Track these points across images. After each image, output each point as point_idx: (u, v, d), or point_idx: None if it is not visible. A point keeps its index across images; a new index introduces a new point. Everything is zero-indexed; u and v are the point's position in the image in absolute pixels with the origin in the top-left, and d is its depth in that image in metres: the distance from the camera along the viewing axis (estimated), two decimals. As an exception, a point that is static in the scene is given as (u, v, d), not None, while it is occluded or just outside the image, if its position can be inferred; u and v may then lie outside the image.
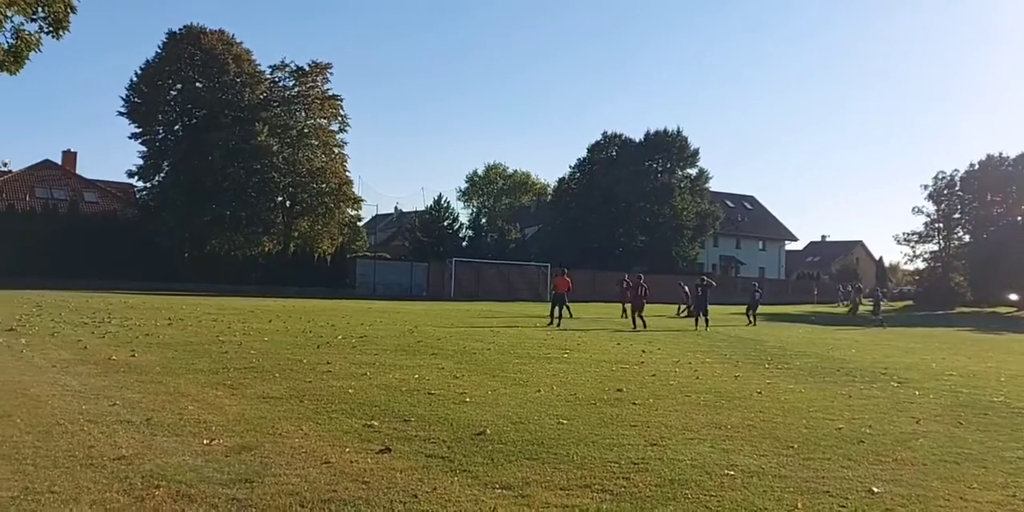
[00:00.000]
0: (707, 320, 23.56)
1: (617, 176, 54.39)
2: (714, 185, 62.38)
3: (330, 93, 49.15)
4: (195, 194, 42.76)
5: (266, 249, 48.61)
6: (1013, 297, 55.12)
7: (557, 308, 22.74)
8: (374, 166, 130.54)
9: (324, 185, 47.81)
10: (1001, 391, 11.00)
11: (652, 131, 58.04)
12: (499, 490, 5.05)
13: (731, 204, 72.21)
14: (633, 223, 54.68)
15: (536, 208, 69.25)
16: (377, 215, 68.59)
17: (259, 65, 47.66)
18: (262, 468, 5.29)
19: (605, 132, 58.81)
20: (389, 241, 69.55)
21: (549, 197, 65.63)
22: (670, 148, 57.74)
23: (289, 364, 10.69)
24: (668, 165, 58.38)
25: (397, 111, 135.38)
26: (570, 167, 59.68)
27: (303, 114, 48.94)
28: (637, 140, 58.05)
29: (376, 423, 6.96)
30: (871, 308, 34.20)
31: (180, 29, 45.60)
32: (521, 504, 4.79)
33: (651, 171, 57.46)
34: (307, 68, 48.07)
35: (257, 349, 12.34)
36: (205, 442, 5.92)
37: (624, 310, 28.90)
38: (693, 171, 59.67)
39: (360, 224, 57.48)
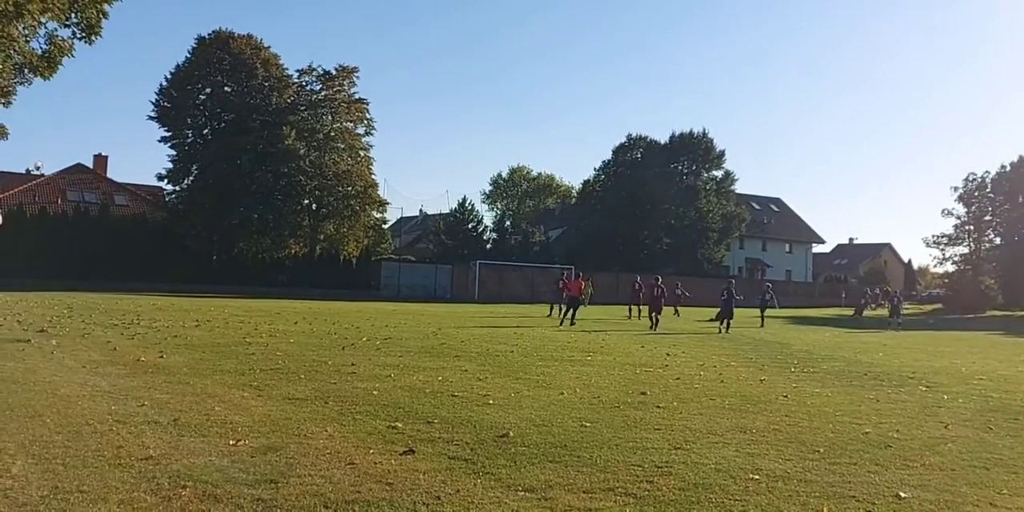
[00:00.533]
0: (728, 324, 23.48)
1: (642, 178, 54.22)
2: (740, 187, 62.09)
3: (356, 97, 49.48)
4: (223, 197, 43.20)
5: (293, 252, 48.96)
6: (1047, 301, 54.20)
7: (570, 310, 23.33)
8: (399, 169, 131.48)
9: (350, 188, 48.09)
10: (1033, 396, 10.80)
11: (677, 133, 57.98)
12: (522, 493, 5.05)
13: (757, 206, 71.63)
14: (658, 225, 54.47)
15: (560, 210, 69.22)
16: (402, 217, 68.93)
17: (287, 69, 48.13)
18: (287, 469, 5.33)
19: (630, 134, 58.74)
20: (414, 243, 69.82)
21: (574, 199, 65.58)
22: (695, 150, 57.48)
23: (314, 365, 10.77)
24: (693, 167, 58.12)
25: (423, 114, 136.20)
26: (595, 169, 59.69)
27: (330, 118, 49.29)
28: (662, 142, 57.90)
29: (400, 425, 6.99)
30: (888, 311, 33.93)
31: (209, 34, 46.18)
32: (544, 507, 4.78)
33: (676, 173, 57.24)
34: (334, 72, 48.42)
35: (283, 351, 12.45)
36: (231, 443, 5.98)
37: (630, 311, 29.14)
38: (719, 173, 59.40)
39: (385, 227, 57.73)
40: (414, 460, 5.76)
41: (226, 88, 45.94)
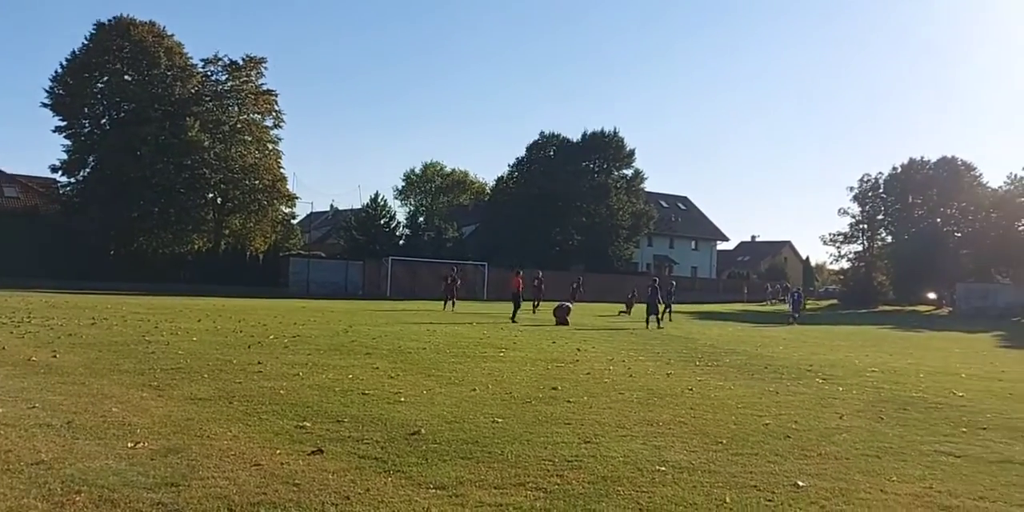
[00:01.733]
0: (659, 320, 24.50)
1: (554, 176, 54.77)
2: (649, 186, 63.40)
3: (264, 88, 48.30)
4: (122, 190, 41.51)
5: (196, 247, 47.50)
6: (932, 296, 57.59)
7: (515, 305, 23.99)
8: (310, 163, 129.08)
9: (257, 182, 46.98)
10: (920, 387, 11.44)
11: (589, 131, 58.66)
12: (433, 490, 5.04)
13: (665, 204, 73.40)
14: (570, 222, 55.14)
15: (474, 207, 69.21)
16: (312, 213, 67.75)
17: (191, 58, 46.61)
18: (189, 471, 5.16)
19: (543, 132, 59.31)
20: (324, 239, 68.65)
21: (487, 196, 65.66)
22: (607, 149, 58.37)
23: (218, 364, 10.45)
24: (605, 165, 59.00)
25: (334, 107, 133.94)
26: (508, 166, 59.94)
27: (236, 109, 47.98)
28: (574, 140, 58.53)
29: (308, 424, 6.86)
30: (789, 306, 35.44)
31: (109, 20, 44.32)
32: (455, 504, 4.78)
33: (588, 171, 58.00)
34: (241, 62, 47.13)
35: (185, 349, 12.03)
36: (129, 445, 5.74)
37: (534, 305, 30.01)
38: (629, 172, 60.47)
39: (294, 222, 56.75)
40: (323, 460, 5.66)
41: (126, 76, 44.16)
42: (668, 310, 27.89)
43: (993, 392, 11.28)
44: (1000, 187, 58.03)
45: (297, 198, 50.90)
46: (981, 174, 59.11)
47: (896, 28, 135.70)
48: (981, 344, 24.19)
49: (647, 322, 24.23)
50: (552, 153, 58.36)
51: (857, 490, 5.45)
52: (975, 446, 7.18)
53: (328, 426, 6.85)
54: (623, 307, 34.03)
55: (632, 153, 59.51)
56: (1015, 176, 57.51)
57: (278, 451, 5.84)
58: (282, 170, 49.10)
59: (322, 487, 4.96)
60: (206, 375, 9.45)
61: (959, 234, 58.43)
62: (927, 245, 55.11)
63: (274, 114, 49.25)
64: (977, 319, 41.82)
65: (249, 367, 10.34)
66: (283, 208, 50.63)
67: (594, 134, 58.40)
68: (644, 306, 25.66)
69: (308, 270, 44.32)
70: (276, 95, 48.74)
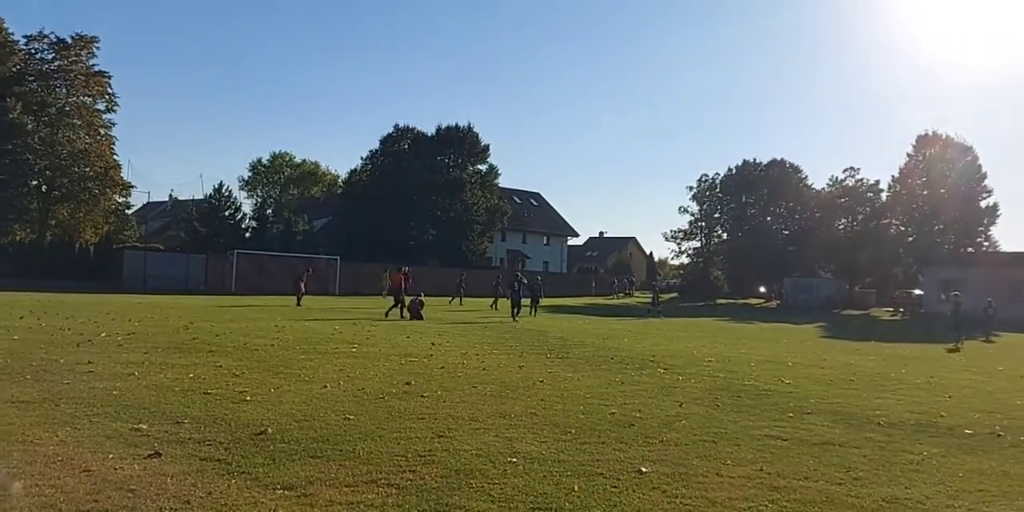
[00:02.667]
0: (515, 314, 25.35)
1: (409, 169, 54.35)
2: (503, 181, 64.11)
3: (96, 69, 44.94)
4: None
5: (18, 238, 43.76)
6: (762, 289, 61.87)
7: (397, 303, 23.64)
8: (147, 150, 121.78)
9: (87, 169, 43.79)
10: (752, 375, 12.24)
11: (443, 126, 58.59)
12: (281, 491, 4.90)
13: (518, 200, 74.50)
14: (425, 217, 54.89)
15: (326, 200, 67.58)
16: (149, 203, 63.97)
17: (12, 34, 42.68)
18: (10, 479, 4.75)
19: (397, 125, 58.52)
20: (163, 231, 64.99)
21: (340, 189, 64.28)
22: (461, 143, 58.50)
23: (43, 364, 9.67)
24: (459, 160, 59.13)
25: (175, 92, 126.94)
26: (362, 159, 58.92)
27: (64, 91, 44.44)
28: (429, 134, 58.31)
29: (145, 426, 6.49)
30: (649, 300, 37.19)
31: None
32: (304, 504, 4.67)
33: (443, 166, 57.93)
34: (69, 41, 43.65)
35: (5, 348, 11.05)
36: (-63, 456, 5.23)
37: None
38: (483, 167, 60.88)
39: (129, 212, 53.34)
40: (160, 463, 5.38)
41: (-64, 51, 39.96)
42: (535, 306, 28.68)
43: (816, 379, 12.24)
44: (823, 188, 63.06)
45: (132, 187, 47.90)
46: (807, 176, 64.05)
47: (743, 38, 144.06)
48: (806, 334, 26.18)
49: (513, 316, 25.16)
50: (407, 147, 57.85)
51: (695, 474, 5.77)
52: (800, 430, 7.76)
53: (167, 428, 6.51)
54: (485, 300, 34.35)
55: (487, 148, 59.96)
56: (836, 178, 62.68)
57: (111, 455, 5.50)
58: (115, 157, 45.99)
59: (160, 492, 4.71)
60: (29, 376, 8.73)
61: (787, 231, 62.96)
62: (758, 242, 59.11)
63: (107, 97, 45.96)
64: (802, 311, 45.27)
65: (78, 367, 9.64)
66: (116, 197, 47.44)
67: (448, 128, 58.38)
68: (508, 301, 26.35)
69: (145, 264, 41.78)
70: (109, 77, 45.52)
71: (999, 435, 7.88)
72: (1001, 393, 11.49)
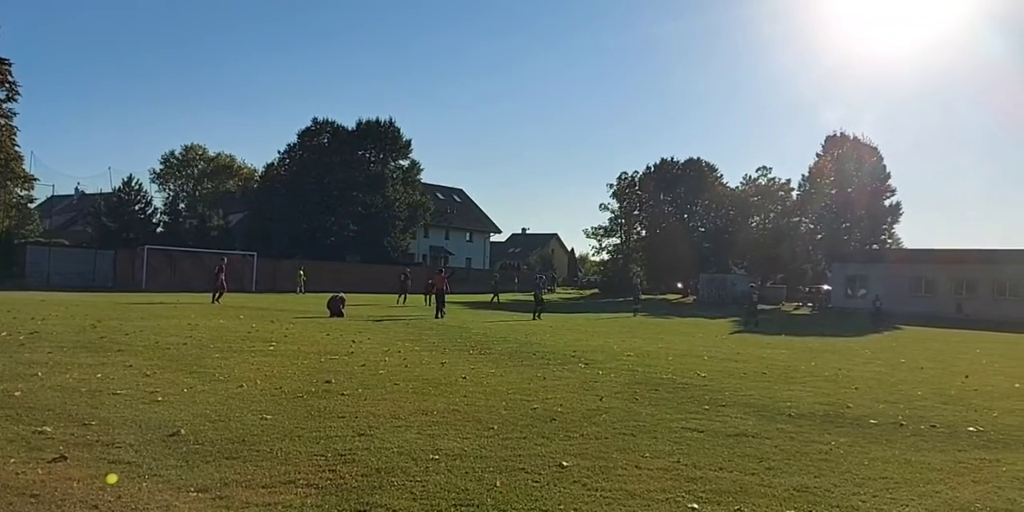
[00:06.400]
0: (440, 311, 25.09)
1: (329, 164, 53.45)
2: (425, 177, 63.73)
3: (-6, 55, 42.64)
4: None
5: (-93, 233, 41.26)
6: (679, 285, 63.40)
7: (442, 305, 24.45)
8: (51, 141, 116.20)
9: (-15, 161, 41.53)
10: (669, 369, 12.50)
11: (364, 120, 57.78)
12: (194, 493, 4.75)
13: (441, 196, 74.23)
14: (345, 212, 54.09)
15: (242, 194, 65.82)
16: (53, 196, 61.07)
17: None
18: None
19: (316, 118, 57.32)
20: (68, 226, 62.28)
21: (256, 183, 62.70)
22: (383, 138, 57.83)
23: (-64, 367, 9.14)
24: (381, 155, 58.45)
25: (80, 81, 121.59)
26: (279, 152, 57.54)
27: (-42, 78, 42.01)
28: (349, 128, 57.42)
29: (49, 429, 6.20)
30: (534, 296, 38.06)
31: None
32: (219, 506, 4.54)
33: (364, 160, 57.16)
34: (-36, 24, 41.32)
35: None
36: None
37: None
38: (406, 162, 60.38)
39: (32, 206, 50.94)
40: (66, 467, 5.15)
41: None
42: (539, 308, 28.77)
43: (730, 372, 12.58)
44: (737, 187, 64.93)
45: (35, 180, 45.59)
46: (722, 175, 65.84)
47: (667, 39, 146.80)
48: (720, 329, 26.90)
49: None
50: (326, 141, 56.84)
51: (615, 467, 5.85)
52: (716, 422, 7.96)
53: (73, 430, 6.23)
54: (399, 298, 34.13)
55: (409, 144, 59.44)
56: (749, 177, 64.65)
57: (12, 459, 5.24)
58: (17, 148, 43.66)
59: (65, 497, 4.51)
60: (-82, 379, 8.23)
61: (703, 229, 64.64)
62: (675, 239, 60.49)
63: (7, 85, 43.62)
64: (717, 306, 46.50)
65: (-26, 369, 9.13)
66: (18, 190, 45.19)
67: (369, 123, 57.59)
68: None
69: (49, 259, 39.99)
70: (10, 64, 43.15)
71: (901, 425, 8.24)
72: (903, 384, 12.04)
